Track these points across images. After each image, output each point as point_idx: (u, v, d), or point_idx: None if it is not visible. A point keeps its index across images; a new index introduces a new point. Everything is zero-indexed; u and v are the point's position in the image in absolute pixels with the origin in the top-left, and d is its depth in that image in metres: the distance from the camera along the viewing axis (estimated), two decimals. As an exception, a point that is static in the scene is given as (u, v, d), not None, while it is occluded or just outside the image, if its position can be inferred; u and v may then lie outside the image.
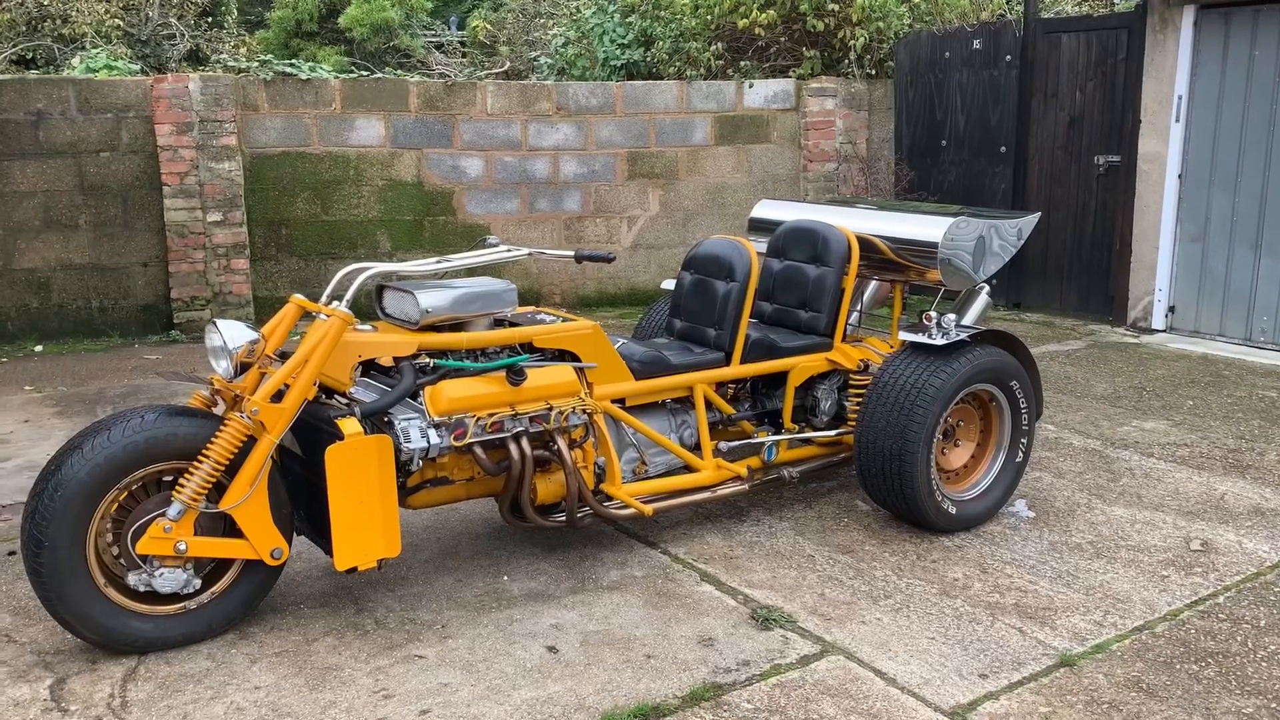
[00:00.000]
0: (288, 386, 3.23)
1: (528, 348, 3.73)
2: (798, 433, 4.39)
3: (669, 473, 4.13)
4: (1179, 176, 7.33)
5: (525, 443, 3.55)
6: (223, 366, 3.28)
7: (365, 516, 3.22)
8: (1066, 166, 7.97)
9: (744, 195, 8.79)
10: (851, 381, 4.41)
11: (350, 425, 3.20)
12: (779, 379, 4.37)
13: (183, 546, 3.11)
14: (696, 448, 4.15)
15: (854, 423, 4.40)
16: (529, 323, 3.79)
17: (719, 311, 4.24)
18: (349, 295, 3.34)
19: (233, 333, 3.26)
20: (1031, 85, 8.05)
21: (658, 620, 3.44)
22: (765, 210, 5.06)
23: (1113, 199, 7.70)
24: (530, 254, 3.79)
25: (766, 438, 4.29)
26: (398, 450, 3.33)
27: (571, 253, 3.78)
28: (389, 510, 3.26)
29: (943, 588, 3.67)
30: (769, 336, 4.28)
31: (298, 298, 3.44)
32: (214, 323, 3.29)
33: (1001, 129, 8.28)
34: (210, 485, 3.12)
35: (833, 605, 3.54)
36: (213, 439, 3.13)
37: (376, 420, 3.41)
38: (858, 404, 4.39)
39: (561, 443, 3.63)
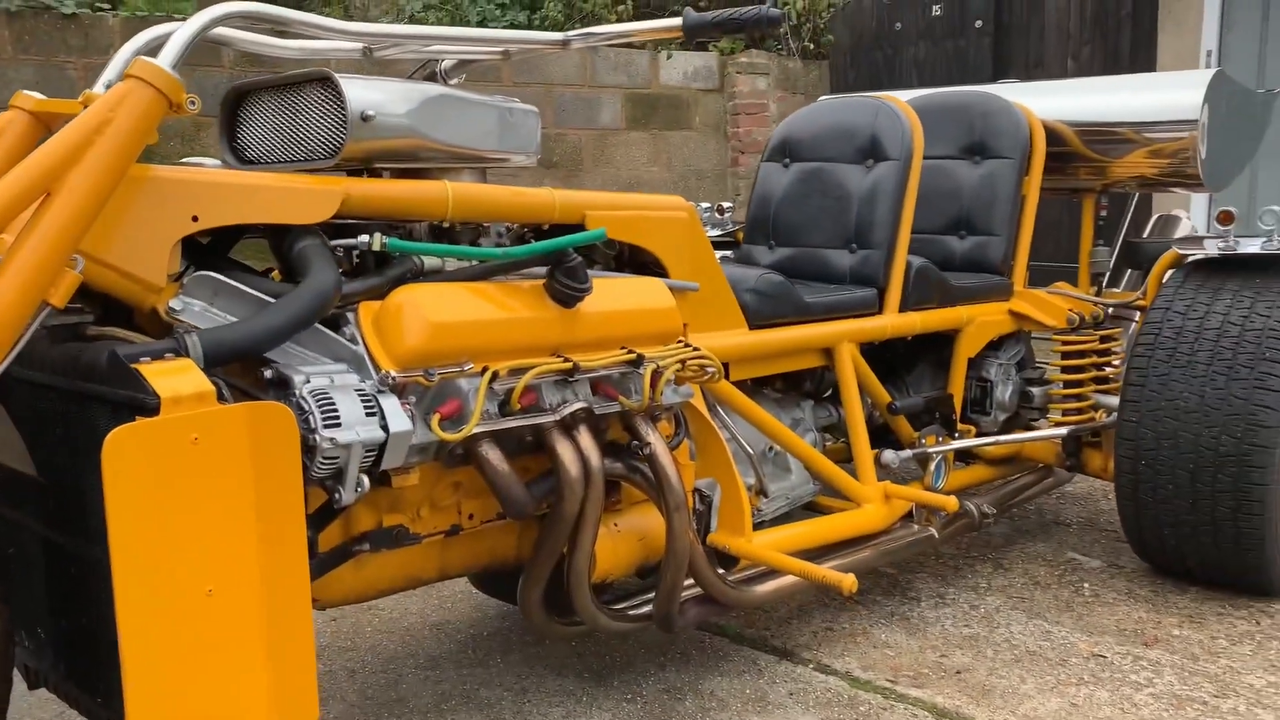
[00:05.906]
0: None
1: (562, 231, 1.75)
2: (979, 435, 2.54)
3: (790, 511, 2.20)
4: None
5: (587, 437, 1.54)
6: None
7: (218, 623, 1.13)
8: (1057, 150, 6.60)
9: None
10: (1064, 349, 2.60)
11: (174, 376, 1.13)
12: (927, 344, 2.53)
13: None
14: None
15: (1063, 417, 2.60)
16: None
17: (858, 218, 2.36)
18: (176, 51, 1.28)
19: None
20: (1009, 55, 6.69)
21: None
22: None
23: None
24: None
25: (935, 446, 2.41)
26: (307, 448, 1.27)
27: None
28: (289, 601, 1.19)
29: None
30: (932, 268, 2.44)
31: (28, 96, 1.37)
32: None
33: (972, 110, 6.86)
34: None
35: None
36: None
37: (247, 373, 1.35)
38: (1070, 392, 2.60)
39: (654, 436, 1.64)
